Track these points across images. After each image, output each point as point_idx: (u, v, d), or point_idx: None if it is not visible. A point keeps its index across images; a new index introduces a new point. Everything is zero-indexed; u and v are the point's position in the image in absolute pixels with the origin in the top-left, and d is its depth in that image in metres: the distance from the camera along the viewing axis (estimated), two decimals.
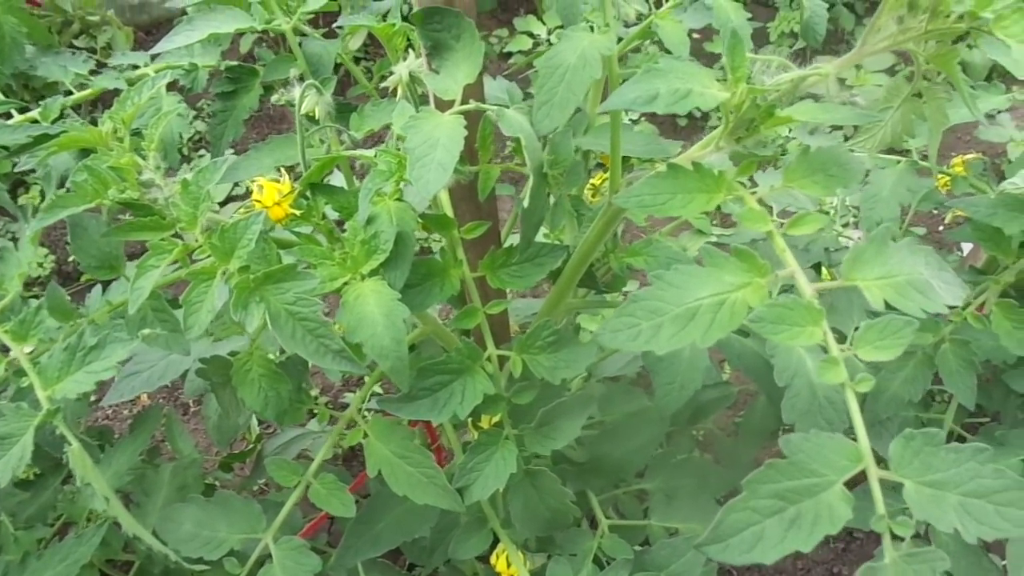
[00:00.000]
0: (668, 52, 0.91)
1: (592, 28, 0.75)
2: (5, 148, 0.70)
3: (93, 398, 2.50)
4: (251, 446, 1.94)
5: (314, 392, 1.96)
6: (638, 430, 1.08)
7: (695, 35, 1.05)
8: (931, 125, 0.74)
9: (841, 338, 0.57)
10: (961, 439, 1.23)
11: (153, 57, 0.97)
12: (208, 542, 0.82)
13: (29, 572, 0.99)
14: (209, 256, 0.67)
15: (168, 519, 0.84)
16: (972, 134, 2.67)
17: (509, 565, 0.91)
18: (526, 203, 0.71)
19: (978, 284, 1.05)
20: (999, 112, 1.22)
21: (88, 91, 0.88)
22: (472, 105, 0.72)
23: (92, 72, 0.95)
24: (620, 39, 1.04)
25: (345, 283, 0.72)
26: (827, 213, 1.66)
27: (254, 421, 2.12)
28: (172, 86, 0.96)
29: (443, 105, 0.75)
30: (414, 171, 0.66)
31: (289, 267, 0.67)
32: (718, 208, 0.78)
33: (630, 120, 2.86)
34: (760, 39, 3.10)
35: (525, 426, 0.81)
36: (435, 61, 0.76)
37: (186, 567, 0.77)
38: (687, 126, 2.90)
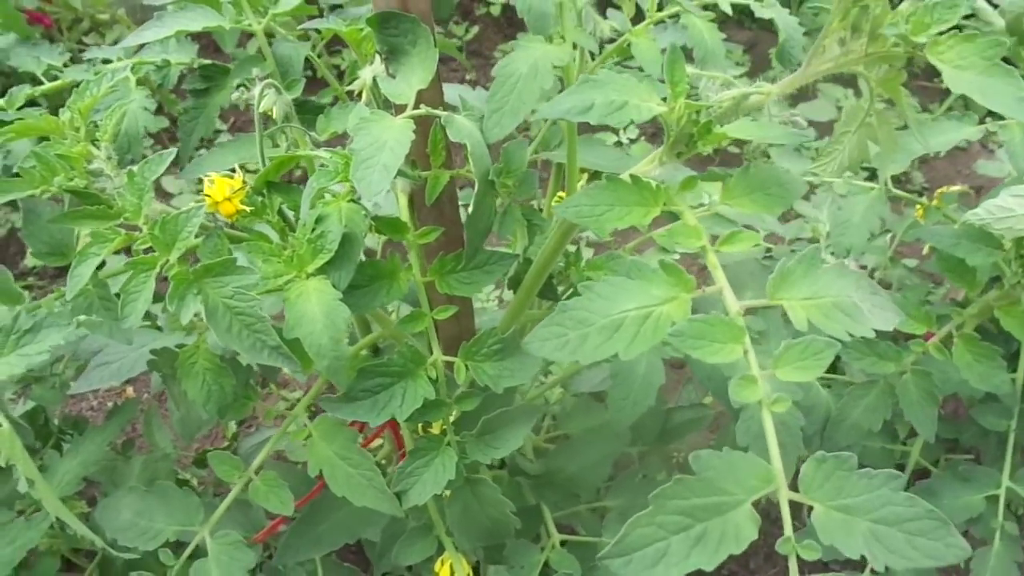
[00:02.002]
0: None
1: (551, 39, 0.76)
2: None
3: (111, 388, 2.51)
4: (227, 444, 1.94)
5: (295, 392, 1.96)
6: (595, 445, 1.08)
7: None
8: (881, 151, 0.74)
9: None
10: (926, 474, 1.22)
11: (129, 50, 0.98)
12: (145, 532, 0.82)
13: None
14: (150, 247, 0.67)
15: (108, 507, 0.84)
16: (971, 167, 2.66)
17: (453, 573, 0.91)
18: (471, 209, 0.72)
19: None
20: (970, 143, 1.22)
21: (57, 83, 0.89)
22: (423, 110, 0.72)
23: (66, 65, 0.96)
24: (595, 55, 1.05)
25: (289, 281, 0.72)
26: (817, 240, 1.66)
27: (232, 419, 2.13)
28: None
29: (398, 109, 0.75)
30: (358, 172, 0.67)
31: (228, 260, 0.67)
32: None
33: (629, 140, 2.87)
34: (763, 63, 3.11)
35: (467, 433, 0.81)
36: (392, 66, 0.76)
37: (113, 554, 0.76)
38: (709, 157, 2.90)
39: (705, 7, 1.10)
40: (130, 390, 2.53)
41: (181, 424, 1.26)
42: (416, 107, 0.73)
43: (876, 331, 0.58)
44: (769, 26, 1.03)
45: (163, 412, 2.37)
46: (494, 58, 3.40)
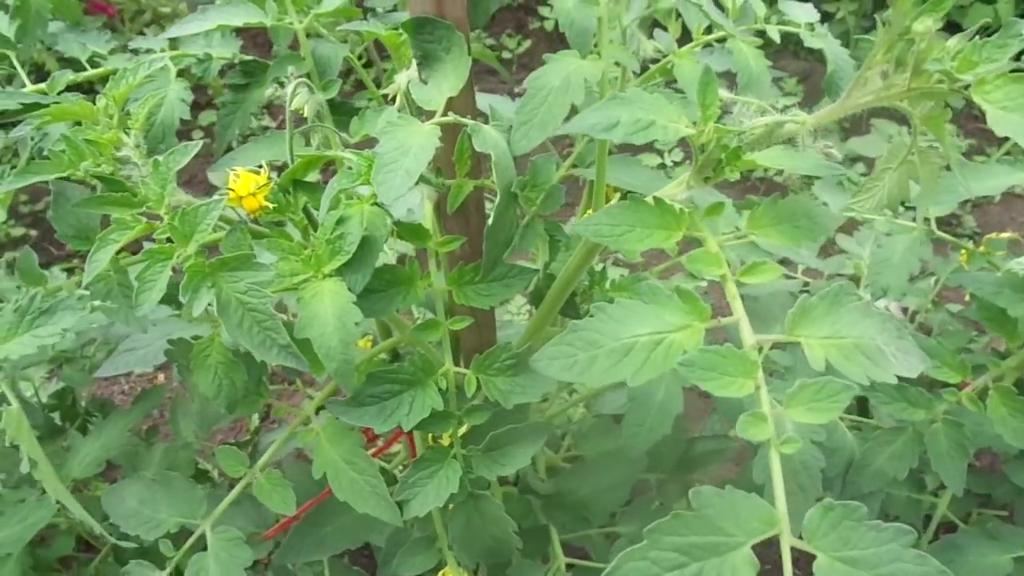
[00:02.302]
0: None
1: (585, 55, 0.75)
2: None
3: (144, 374, 2.56)
4: (248, 438, 1.95)
5: (311, 391, 1.97)
6: (609, 469, 1.06)
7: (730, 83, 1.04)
8: (921, 190, 0.71)
9: None
10: (952, 529, 1.18)
11: (174, 44, 0.99)
12: (147, 521, 0.82)
13: None
14: (169, 237, 0.67)
15: (114, 494, 0.84)
16: None
17: None
18: (491, 220, 0.71)
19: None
20: None
21: (99, 70, 0.90)
22: (451, 118, 0.72)
23: (112, 52, 0.97)
24: (637, 74, 1.03)
25: (305, 280, 0.71)
26: (859, 277, 1.62)
27: (255, 414, 2.14)
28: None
29: (427, 115, 0.75)
30: (379, 175, 0.66)
31: (245, 255, 0.67)
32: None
33: (673, 163, 2.84)
34: (817, 94, 3.07)
35: (474, 447, 0.79)
36: (424, 71, 0.76)
37: (112, 541, 0.77)
38: (737, 182, 2.86)
39: (757, 33, 1.08)
40: (161, 377, 2.57)
41: (199, 415, 1.27)
42: (445, 114, 0.72)
43: (905, 377, 0.55)
44: (824, 57, 1.00)
45: (189, 403, 2.40)
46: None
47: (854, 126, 3.06)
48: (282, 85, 0.95)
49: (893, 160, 0.79)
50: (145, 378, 2.57)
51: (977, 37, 0.57)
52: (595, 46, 0.77)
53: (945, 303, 1.94)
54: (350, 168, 0.71)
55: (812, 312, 0.56)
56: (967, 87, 0.55)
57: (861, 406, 1.19)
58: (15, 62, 0.86)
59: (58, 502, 0.72)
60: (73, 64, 0.97)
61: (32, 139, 0.78)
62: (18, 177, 0.66)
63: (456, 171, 0.77)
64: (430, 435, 0.92)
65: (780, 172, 2.96)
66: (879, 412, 1.07)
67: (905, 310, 2.02)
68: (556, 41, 3.22)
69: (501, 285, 0.78)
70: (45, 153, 0.68)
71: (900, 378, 0.56)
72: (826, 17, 3.38)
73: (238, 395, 0.80)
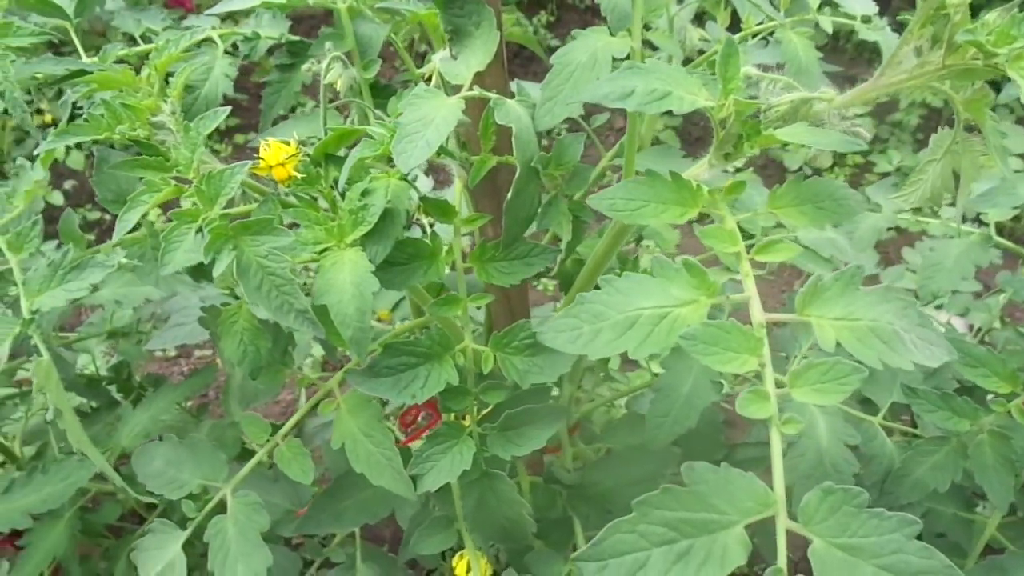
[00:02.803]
0: None
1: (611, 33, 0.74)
2: (43, 77, 0.75)
3: (173, 353, 2.65)
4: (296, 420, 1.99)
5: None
6: (634, 463, 1.04)
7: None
8: (962, 181, 0.68)
9: None
10: (1000, 550, 1.11)
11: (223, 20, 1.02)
12: (172, 481, 0.84)
13: (32, 485, 1.05)
14: (196, 200, 0.69)
15: (142, 453, 0.87)
16: None
17: (469, 570, 0.89)
18: (509, 195, 0.70)
19: None
20: None
21: (149, 45, 0.93)
22: (476, 91, 0.72)
23: (165, 30, 1.01)
24: (686, 63, 1.02)
25: (327, 249, 0.72)
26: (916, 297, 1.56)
27: (303, 398, 2.19)
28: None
29: (455, 90, 0.75)
30: (399, 145, 0.67)
31: (266, 220, 0.68)
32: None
33: (736, 169, 2.80)
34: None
35: (489, 425, 0.79)
36: (455, 47, 0.76)
37: (134, 497, 0.79)
38: (795, 172, 2.81)
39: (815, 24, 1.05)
40: (219, 361, 2.64)
41: (240, 389, 1.30)
42: (472, 89, 0.72)
43: (960, 385, 0.52)
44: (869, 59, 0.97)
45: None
46: None
47: (928, 137, 2.95)
48: (319, 61, 0.97)
49: (937, 152, 0.76)
50: (204, 360, 2.65)
51: (1017, 11, 0.54)
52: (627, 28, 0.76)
53: (1015, 323, 1.85)
54: (372, 139, 0.72)
55: (825, 292, 0.53)
56: (1002, 62, 0.52)
57: (902, 414, 1.14)
58: (72, 34, 0.89)
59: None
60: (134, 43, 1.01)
61: (79, 106, 0.82)
62: (57, 137, 0.69)
63: (481, 145, 0.76)
64: (452, 415, 0.92)
65: (829, 167, 2.88)
66: (922, 420, 1.02)
67: (971, 327, 1.93)
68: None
69: (523, 263, 0.78)
70: (84, 116, 0.71)
71: (956, 389, 0.53)
72: (902, 26, 3.28)
73: (262, 362, 0.82)
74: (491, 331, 0.89)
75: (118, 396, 1.49)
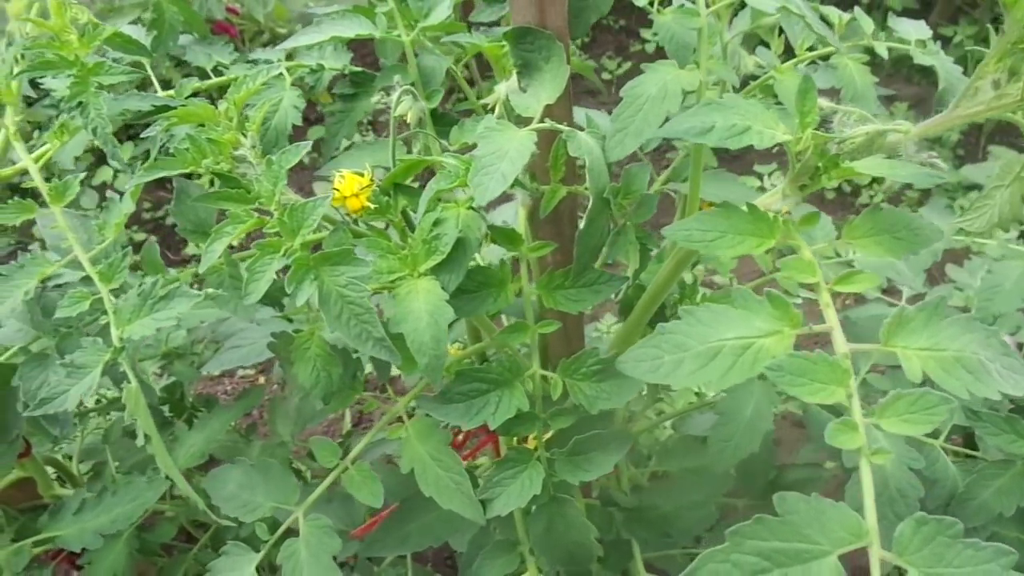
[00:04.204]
0: None
1: (683, 66, 0.75)
2: (131, 114, 0.78)
3: (215, 373, 2.70)
4: (340, 440, 2.02)
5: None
6: (693, 487, 1.04)
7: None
8: None
9: None
10: None
11: (290, 55, 1.05)
12: (246, 504, 0.86)
13: (103, 506, 1.08)
14: (278, 232, 0.71)
15: (216, 477, 0.89)
16: None
17: None
18: (582, 225, 0.72)
19: None
20: None
21: (223, 78, 0.97)
22: (547, 124, 0.73)
23: (233, 63, 1.04)
24: (737, 89, 1.03)
25: (401, 278, 0.74)
26: (968, 309, 1.55)
27: (348, 418, 2.21)
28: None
29: (524, 122, 0.77)
30: (476, 177, 0.68)
31: (346, 251, 0.70)
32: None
33: (772, 186, 2.80)
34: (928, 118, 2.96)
35: (558, 451, 0.80)
36: (524, 80, 0.78)
37: (214, 520, 0.81)
38: (833, 199, 2.80)
39: (866, 51, 1.06)
40: (262, 379, 2.68)
41: (297, 411, 1.33)
42: (542, 121, 0.74)
43: (1016, 409, 0.53)
44: (918, 81, 0.97)
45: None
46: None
47: (969, 153, 2.93)
48: (388, 94, 1.00)
49: (1005, 177, 0.76)
50: (247, 380, 2.69)
51: None
52: (695, 60, 0.77)
53: None
54: (448, 171, 0.74)
55: (910, 323, 0.54)
56: None
57: (966, 438, 1.13)
58: (148, 69, 0.93)
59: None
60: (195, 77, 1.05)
61: (159, 140, 0.85)
62: (147, 171, 0.72)
63: (550, 176, 0.78)
64: (515, 440, 0.93)
65: (889, 199, 2.86)
66: (985, 443, 1.02)
67: (1020, 346, 1.90)
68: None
69: (591, 291, 0.79)
70: (171, 151, 0.74)
71: (1012, 409, 0.53)
72: (944, 41, 3.26)
73: (334, 387, 0.83)
74: (545, 355, 0.91)
75: (170, 416, 1.52)
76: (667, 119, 0.71)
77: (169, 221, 2.81)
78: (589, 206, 0.71)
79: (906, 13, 3.46)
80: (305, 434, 2.26)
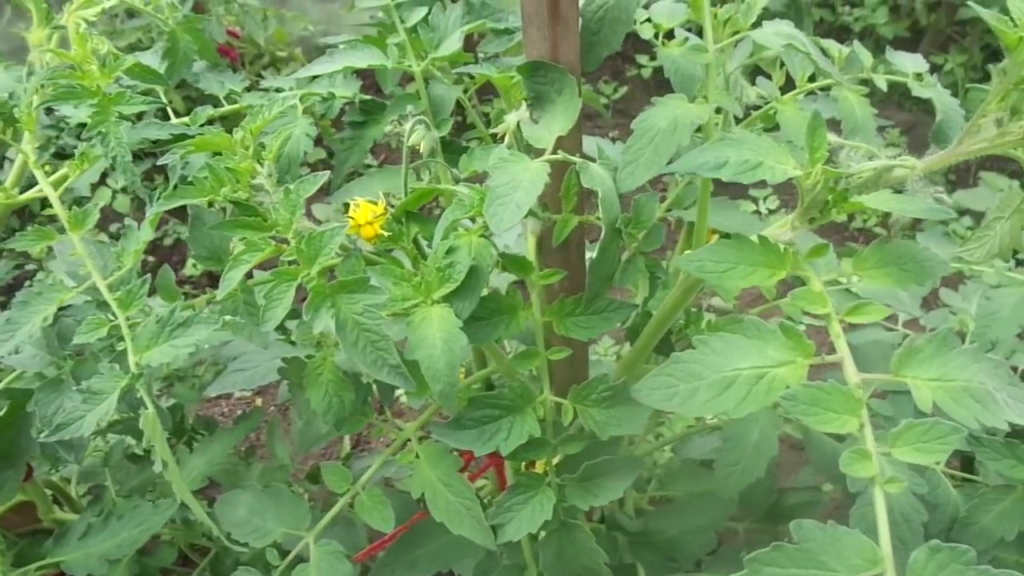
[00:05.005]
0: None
1: (691, 99, 0.77)
2: (151, 142, 0.79)
3: (214, 395, 2.69)
4: (340, 463, 2.01)
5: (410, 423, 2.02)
6: (699, 511, 1.05)
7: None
8: None
9: None
10: None
11: (301, 82, 1.07)
12: (256, 530, 0.87)
13: (108, 531, 1.08)
14: (295, 259, 0.73)
15: (227, 502, 0.89)
16: None
17: None
18: (595, 255, 0.73)
19: None
20: None
21: (235, 106, 0.98)
22: (560, 155, 0.75)
23: (246, 90, 1.06)
24: (739, 119, 1.05)
25: (415, 305, 0.75)
26: (963, 333, 1.56)
27: (347, 440, 2.21)
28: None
29: (536, 153, 0.78)
30: (491, 207, 0.70)
31: (362, 279, 0.71)
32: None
33: (768, 210, 2.82)
34: (921, 146, 3.00)
35: (568, 476, 0.81)
36: (536, 111, 0.80)
37: (228, 547, 0.81)
38: (827, 225, 2.83)
39: (862, 82, 1.08)
40: (259, 401, 2.68)
41: (301, 435, 1.33)
42: (555, 152, 0.76)
43: (1015, 433, 0.54)
44: (930, 109, 0.99)
45: (284, 426, 2.50)
46: (631, 116, 3.44)
47: (960, 178, 2.97)
48: (400, 123, 1.01)
49: (1005, 209, 0.78)
50: (244, 401, 2.68)
51: None
52: (701, 92, 0.79)
53: None
54: (462, 201, 0.75)
55: (919, 354, 0.55)
56: None
57: (964, 462, 1.14)
58: (162, 96, 0.94)
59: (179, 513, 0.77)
60: (199, 103, 1.06)
61: (176, 168, 0.86)
62: (167, 199, 0.73)
63: (562, 206, 0.80)
64: (522, 465, 0.94)
65: (882, 223, 2.90)
66: (985, 468, 1.03)
67: (1015, 369, 1.92)
68: (652, 88, 3.25)
69: (601, 318, 0.80)
70: (189, 179, 0.75)
71: (1010, 434, 0.55)
72: (934, 69, 3.32)
73: (346, 413, 0.84)
74: (550, 381, 0.92)
75: (170, 438, 1.52)
76: (678, 151, 0.73)
77: (167, 242, 2.82)
78: (602, 236, 0.72)
79: (897, 41, 3.53)
80: (303, 457, 2.26)
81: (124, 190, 3.06)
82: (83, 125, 0.77)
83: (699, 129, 0.80)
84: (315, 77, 1.00)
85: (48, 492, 1.37)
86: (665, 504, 1.17)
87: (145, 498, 1.41)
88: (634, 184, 0.74)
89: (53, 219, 0.79)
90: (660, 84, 3.51)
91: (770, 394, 0.56)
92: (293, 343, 1.21)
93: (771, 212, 2.79)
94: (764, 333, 0.58)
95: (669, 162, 0.71)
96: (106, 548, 1.05)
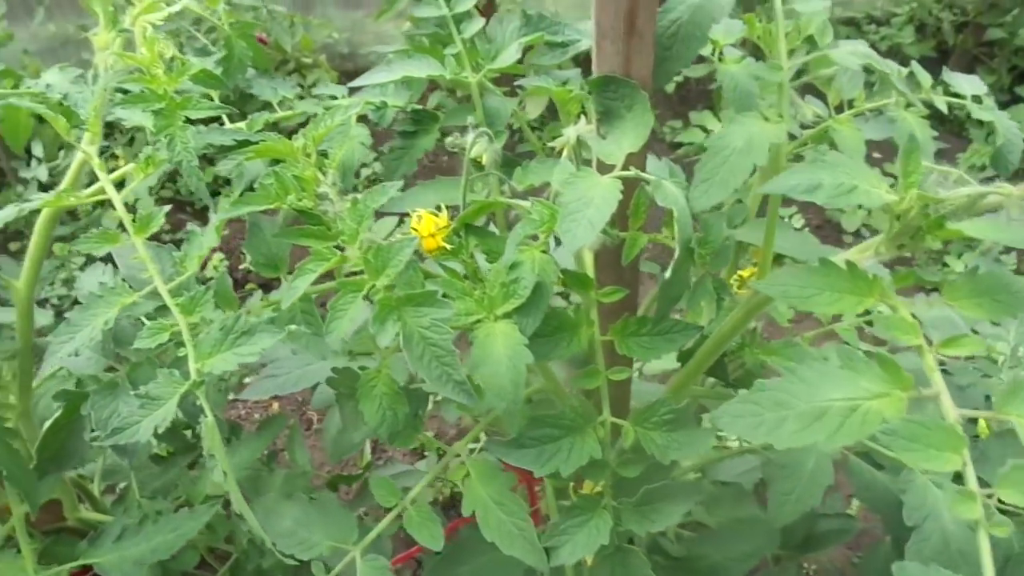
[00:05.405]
0: None
1: (765, 118, 0.76)
2: (214, 148, 0.78)
3: (231, 396, 2.69)
4: (360, 472, 2.00)
5: (429, 433, 2.01)
6: (744, 538, 1.03)
7: (875, 153, 1.03)
8: None
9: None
10: None
11: (352, 91, 1.06)
12: (303, 542, 0.85)
13: (143, 535, 1.06)
14: (361, 271, 0.71)
15: (273, 512, 0.88)
16: None
17: None
18: (668, 275, 0.72)
19: None
20: None
21: (290, 112, 0.97)
22: (632, 172, 0.74)
23: (297, 98, 1.05)
24: (794, 137, 1.04)
25: (478, 320, 0.74)
26: (994, 361, 1.54)
27: (367, 448, 2.19)
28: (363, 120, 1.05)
29: (604, 169, 0.77)
30: (564, 224, 0.68)
31: (430, 293, 0.70)
32: (869, 324, 0.74)
33: (793, 229, 2.81)
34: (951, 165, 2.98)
35: (625, 500, 0.79)
36: (604, 127, 0.78)
37: (280, 558, 0.80)
38: (851, 243, 2.81)
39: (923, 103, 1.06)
40: (276, 405, 2.67)
41: (335, 443, 1.31)
42: (625, 168, 0.74)
43: None
44: (953, 130, 0.98)
45: (304, 433, 2.49)
46: (663, 133, 3.43)
47: None
48: (444, 135, 1.00)
49: None
50: (261, 404, 2.67)
51: None
52: (775, 110, 0.78)
53: None
54: (531, 216, 0.74)
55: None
56: None
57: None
58: (215, 101, 0.93)
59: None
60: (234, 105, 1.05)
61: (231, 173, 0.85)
62: (234, 206, 0.71)
63: (629, 224, 0.78)
64: (571, 485, 0.92)
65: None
66: None
67: None
68: (675, 103, 3.24)
69: (665, 339, 0.79)
70: (255, 187, 0.74)
71: None
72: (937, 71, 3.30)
73: (399, 426, 0.83)
74: (609, 401, 0.90)
75: (194, 440, 1.50)
76: (754, 170, 0.71)
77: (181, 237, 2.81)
78: (676, 256, 0.71)
79: (923, 61, 3.51)
80: (320, 464, 2.23)
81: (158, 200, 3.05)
82: (135, 128, 0.76)
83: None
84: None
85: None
86: (705, 529, 1.15)
87: (167, 499, 1.40)
88: (708, 203, 0.72)
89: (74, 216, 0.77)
90: (683, 100, 3.50)
91: (864, 427, 0.54)
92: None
93: (796, 232, 2.77)
94: (857, 363, 0.56)
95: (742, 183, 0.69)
96: (141, 552, 1.03)
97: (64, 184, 0.83)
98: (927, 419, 0.52)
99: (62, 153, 2.64)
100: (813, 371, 0.57)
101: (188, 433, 1.51)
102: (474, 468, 0.84)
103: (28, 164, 2.76)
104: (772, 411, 0.57)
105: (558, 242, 0.72)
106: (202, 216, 2.87)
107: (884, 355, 0.55)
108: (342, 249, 0.75)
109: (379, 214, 0.80)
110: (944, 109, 1.06)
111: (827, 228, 3.06)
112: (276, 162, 0.86)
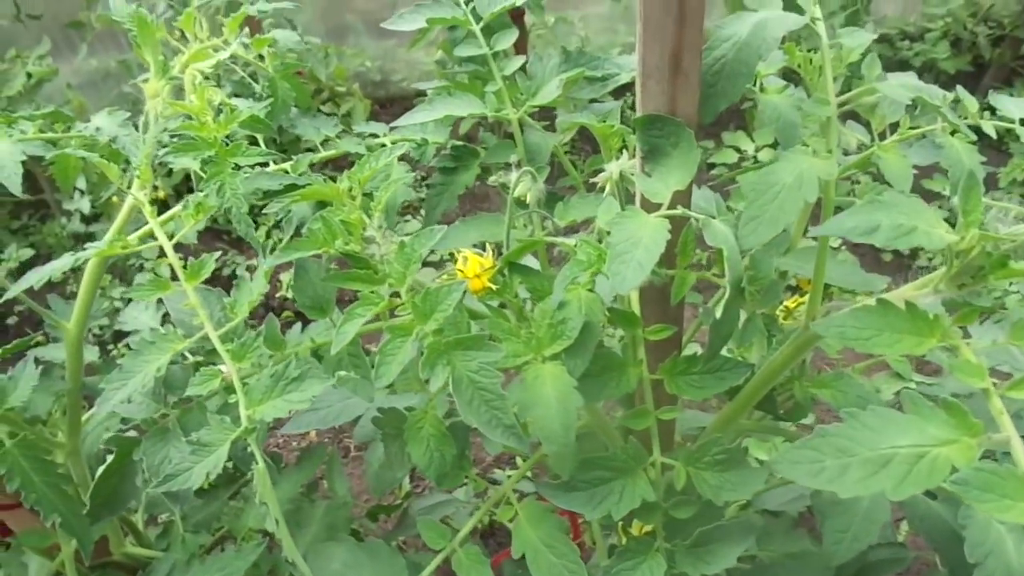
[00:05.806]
0: (887, 184, 0.88)
1: (813, 151, 0.75)
2: (264, 192, 0.79)
3: (271, 425, 2.71)
4: (399, 502, 2.00)
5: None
6: (795, 573, 1.00)
7: (914, 170, 1.02)
8: None
9: None
10: None
11: (391, 129, 1.07)
12: None
13: (190, 572, 1.07)
14: (409, 314, 0.71)
15: (320, 555, 0.88)
16: None
17: None
18: (718, 314, 0.71)
19: None
20: None
21: (333, 152, 0.98)
22: (679, 211, 0.73)
23: (337, 136, 1.06)
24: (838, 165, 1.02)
25: (526, 362, 0.74)
26: None
27: (406, 479, 2.19)
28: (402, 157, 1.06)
29: (650, 207, 0.76)
30: (613, 265, 0.68)
31: (479, 337, 0.70)
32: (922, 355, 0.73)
33: (831, 247, 2.77)
34: (989, 184, 2.92)
35: (679, 542, 0.78)
36: (649, 164, 0.78)
37: None
38: (891, 262, 2.76)
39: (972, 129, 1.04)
40: (313, 432, 2.67)
41: (377, 478, 1.31)
42: (672, 207, 0.74)
43: None
44: (996, 145, 0.96)
45: (342, 462, 2.49)
46: None
47: None
48: (487, 172, 1.00)
49: None
50: (299, 434, 2.69)
51: None
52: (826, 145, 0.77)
53: None
54: (578, 257, 0.74)
55: None
56: None
57: None
58: (260, 142, 0.94)
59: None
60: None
61: (277, 216, 0.85)
62: (284, 252, 0.72)
63: (678, 262, 0.77)
64: (619, 525, 0.91)
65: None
66: None
67: None
68: (698, 135, 3.22)
69: (715, 378, 0.78)
70: (304, 231, 0.74)
71: None
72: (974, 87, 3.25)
73: (447, 468, 0.82)
74: (659, 441, 0.89)
75: (234, 472, 1.51)
76: (805, 206, 0.70)
77: (225, 272, 2.85)
78: (726, 295, 0.70)
79: (960, 76, 3.45)
80: (358, 494, 2.23)
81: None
82: (183, 172, 0.77)
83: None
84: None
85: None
86: (755, 564, 1.12)
87: (210, 532, 1.40)
88: (757, 241, 0.71)
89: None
90: (707, 132, 3.47)
91: (933, 475, 0.52)
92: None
93: (835, 250, 2.73)
94: (922, 409, 0.54)
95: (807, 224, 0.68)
96: None
97: (113, 230, 0.84)
98: (1000, 468, 0.50)
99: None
100: (877, 416, 0.56)
101: (229, 464, 1.52)
102: (523, 511, 0.84)
103: (71, 196, 2.82)
104: (834, 458, 0.56)
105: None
106: (239, 245, 2.90)
107: (952, 401, 0.54)
108: (394, 293, 0.75)
109: None
110: (993, 135, 1.04)
111: (864, 247, 3.01)
112: (322, 204, 0.87)
